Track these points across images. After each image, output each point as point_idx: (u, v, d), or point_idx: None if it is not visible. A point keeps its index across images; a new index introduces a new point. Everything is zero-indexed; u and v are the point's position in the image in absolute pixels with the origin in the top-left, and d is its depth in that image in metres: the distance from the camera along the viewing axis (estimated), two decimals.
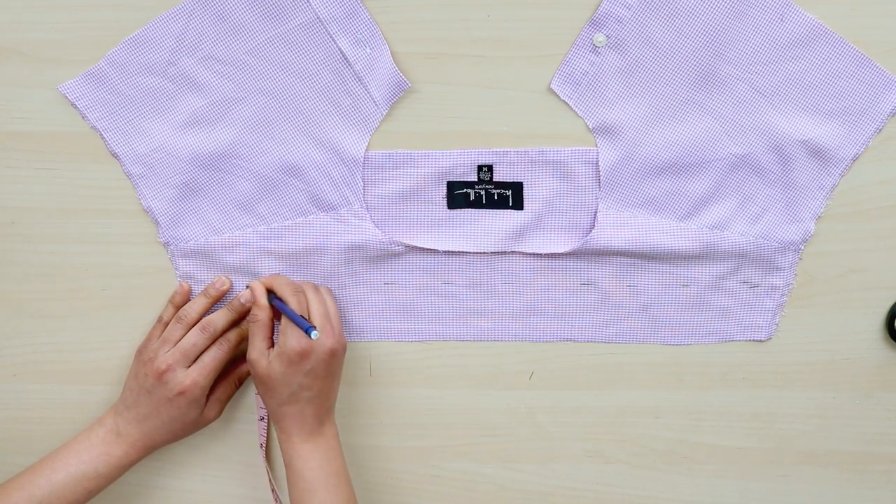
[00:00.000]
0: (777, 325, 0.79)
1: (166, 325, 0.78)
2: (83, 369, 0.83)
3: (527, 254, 0.78)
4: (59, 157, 0.78)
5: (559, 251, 0.77)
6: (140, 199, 0.78)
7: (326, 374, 0.74)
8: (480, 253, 0.78)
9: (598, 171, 0.75)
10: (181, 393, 0.75)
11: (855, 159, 0.75)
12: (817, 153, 0.74)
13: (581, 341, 0.80)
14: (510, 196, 0.77)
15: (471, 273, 0.79)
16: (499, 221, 0.77)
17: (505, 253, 0.78)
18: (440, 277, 0.79)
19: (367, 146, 0.76)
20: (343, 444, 0.83)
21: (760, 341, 0.79)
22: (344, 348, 0.76)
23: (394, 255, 0.78)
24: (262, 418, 0.82)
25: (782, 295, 0.78)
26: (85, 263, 0.80)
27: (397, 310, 0.80)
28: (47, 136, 0.77)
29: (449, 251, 0.78)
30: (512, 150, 0.75)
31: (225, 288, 0.78)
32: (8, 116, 0.77)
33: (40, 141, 0.78)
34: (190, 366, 0.76)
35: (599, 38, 0.72)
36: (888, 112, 0.73)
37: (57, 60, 0.76)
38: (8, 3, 0.75)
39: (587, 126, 0.75)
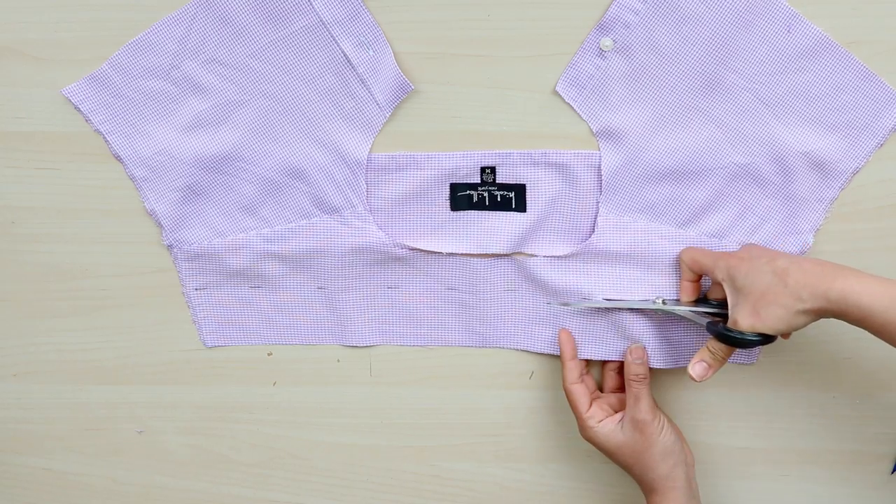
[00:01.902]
0: (760, 350, 0.79)
1: None
2: (83, 369, 0.83)
3: (530, 259, 0.78)
4: (60, 157, 0.78)
5: (559, 254, 0.77)
6: (143, 202, 0.78)
7: None
8: (483, 257, 0.78)
9: (599, 174, 0.75)
10: None
11: (855, 173, 0.75)
12: (818, 165, 0.74)
13: (584, 357, 0.79)
14: (513, 198, 0.76)
15: (473, 279, 0.79)
16: (502, 223, 0.77)
17: (508, 256, 0.78)
18: (444, 283, 0.79)
19: (371, 148, 0.76)
20: (343, 443, 0.83)
21: (746, 364, 0.79)
22: None
23: (397, 259, 0.78)
24: None
25: None
26: (85, 263, 0.80)
27: (400, 314, 0.80)
28: (47, 136, 0.77)
29: (452, 254, 0.78)
30: (515, 151, 0.75)
31: None
32: (8, 116, 0.77)
33: (40, 141, 0.78)
34: None
35: (606, 42, 0.72)
36: (890, 127, 0.73)
37: (57, 60, 0.76)
38: (8, 3, 0.75)
39: (590, 128, 0.75)
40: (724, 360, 0.71)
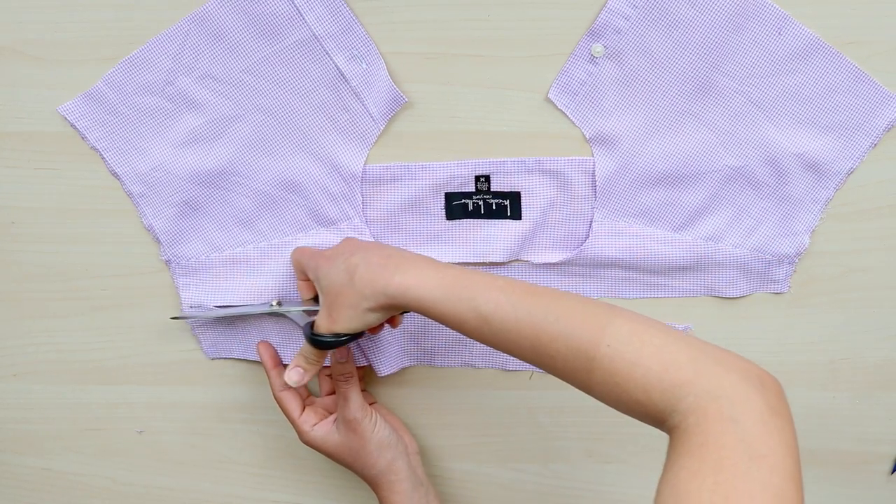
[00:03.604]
0: None
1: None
2: (83, 369, 0.83)
3: (526, 267, 0.78)
4: (59, 157, 0.78)
5: (555, 261, 0.77)
6: (141, 218, 0.78)
7: None
8: (480, 265, 0.78)
9: (594, 180, 0.75)
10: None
11: (850, 173, 0.75)
12: (812, 167, 0.74)
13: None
14: (508, 206, 0.76)
15: None
16: (498, 232, 0.77)
17: (505, 264, 0.78)
18: None
19: (366, 159, 0.76)
20: None
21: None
22: None
23: None
24: None
25: None
26: (85, 263, 0.80)
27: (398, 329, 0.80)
28: (47, 136, 0.77)
29: (448, 263, 0.78)
30: (509, 159, 0.75)
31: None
32: (8, 116, 0.77)
33: (40, 141, 0.78)
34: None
35: (597, 48, 0.72)
36: (883, 127, 0.73)
37: (57, 60, 0.76)
38: (8, 3, 0.75)
39: (584, 135, 0.75)
40: (318, 364, 0.71)
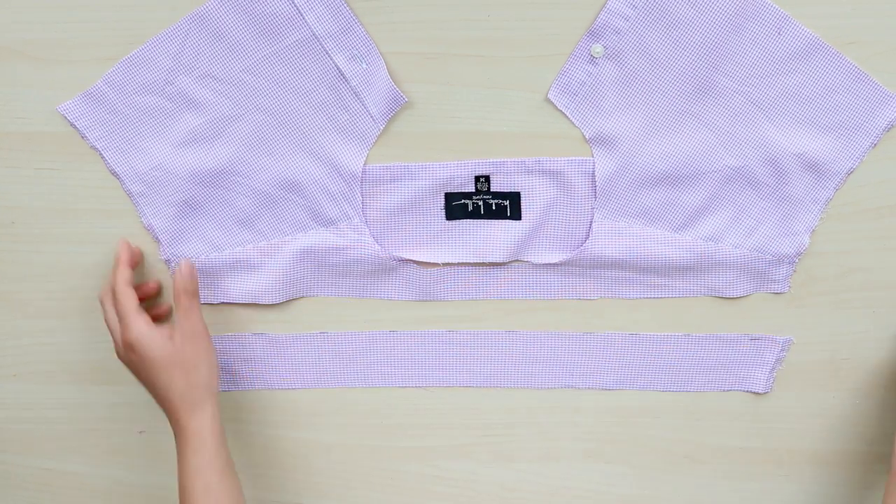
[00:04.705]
0: (774, 379, 0.79)
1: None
2: (83, 369, 0.83)
3: (526, 267, 0.78)
4: (59, 157, 0.78)
5: (555, 261, 0.77)
6: (140, 218, 0.78)
7: None
8: (479, 266, 0.78)
9: (594, 181, 0.75)
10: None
11: (850, 173, 0.75)
12: (812, 167, 0.74)
13: (581, 388, 0.80)
14: (508, 206, 0.76)
15: (467, 292, 0.79)
16: (498, 232, 0.77)
17: (504, 265, 0.78)
18: (438, 295, 0.79)
19: (366, 159, 0.76)
20: (343, 444, 0.83)
21: (758, 393, 0.80)
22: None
23: (393, 271, 0.78)
24: None
25: (781, 350, 0.78)
26: (85, 263, 0.80)
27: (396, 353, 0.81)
28: (47, 136, 0.77)
29: (448, 263, 0.78)
30: (509, 160, 0.75)
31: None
32: (8, 116, 0.77)
33: (40, 141, 0.78)
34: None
35: (597, 48, 0.72)
36: (883, 127, 0.73)
37: (57, 60, 0.76)
38: (8, 3, 0.75)
39: (584, 135, 0.75)
40: None
